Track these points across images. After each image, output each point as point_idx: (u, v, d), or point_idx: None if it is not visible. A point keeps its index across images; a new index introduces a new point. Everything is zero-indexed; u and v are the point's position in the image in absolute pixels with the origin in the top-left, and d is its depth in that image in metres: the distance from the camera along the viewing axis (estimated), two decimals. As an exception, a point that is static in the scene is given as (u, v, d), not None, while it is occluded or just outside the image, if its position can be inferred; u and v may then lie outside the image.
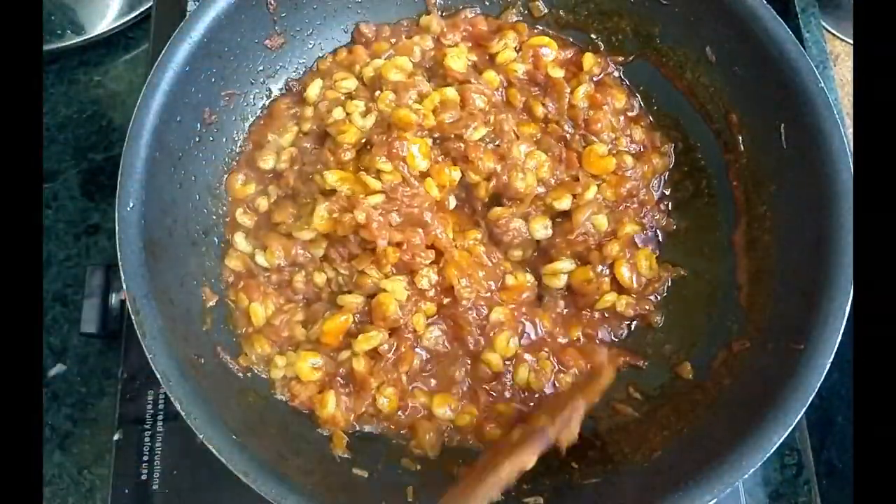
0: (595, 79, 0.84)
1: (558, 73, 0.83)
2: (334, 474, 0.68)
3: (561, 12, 0.86)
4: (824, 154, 0.67)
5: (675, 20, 0.80)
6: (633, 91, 0.84)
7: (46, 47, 0.98)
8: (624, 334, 0.78)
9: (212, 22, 0.72)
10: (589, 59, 0.84)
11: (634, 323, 0.78)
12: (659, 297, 0.78)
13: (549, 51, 0.83)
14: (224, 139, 0.79)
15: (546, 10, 0.87)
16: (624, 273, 0.76)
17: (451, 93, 0.78)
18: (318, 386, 0.73)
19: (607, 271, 0.77)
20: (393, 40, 0.85)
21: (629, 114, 0.84)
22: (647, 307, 0.77)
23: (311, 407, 0.72)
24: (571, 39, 0.86)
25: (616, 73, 0.85)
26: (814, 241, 0.66)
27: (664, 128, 0.83)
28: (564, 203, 0.77)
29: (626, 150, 0.81)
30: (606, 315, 0.78)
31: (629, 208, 0.80)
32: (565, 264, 0.77)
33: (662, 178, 0.83)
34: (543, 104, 0.81)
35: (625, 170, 0.79)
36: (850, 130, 0.89)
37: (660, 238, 0.81)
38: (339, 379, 0.73)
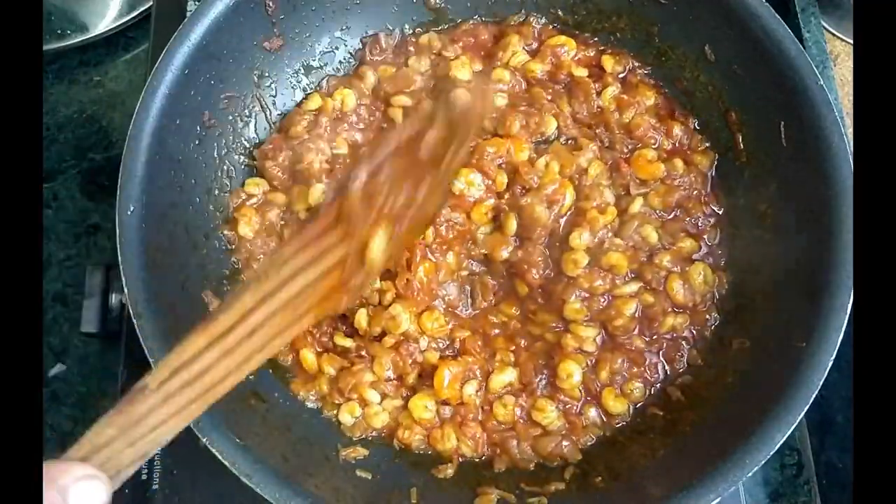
0: (621, 76, 0.83)
1: (581, 73, 0.82)
2: (338, 476, 0.68)
3: (559, 12, 0.86)
4: (824, 152, 0.67)
5: (674, 19, 0.80)
6: (661, 88, 0.83)
7: (46, 47, 0.98)
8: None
9: (211, 24, 0.72)
10: (608, 61, 0.83)
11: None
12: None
13: (568, 49, 0.82)
14: (223, 142, 0.79)
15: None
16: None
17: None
18: (429, 425, 0.73)
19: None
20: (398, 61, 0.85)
21: (661, 111, 0.82)
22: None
23: (430, 447, 0.73)
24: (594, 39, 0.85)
25: (642, 71, 0.83)
26: (814, 238, 0.66)
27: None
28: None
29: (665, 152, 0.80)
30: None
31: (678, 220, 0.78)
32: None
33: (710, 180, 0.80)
34: (570, 104, 0.80)
35: (674, 177, 0.78)
36: (850, 130, 0.89)
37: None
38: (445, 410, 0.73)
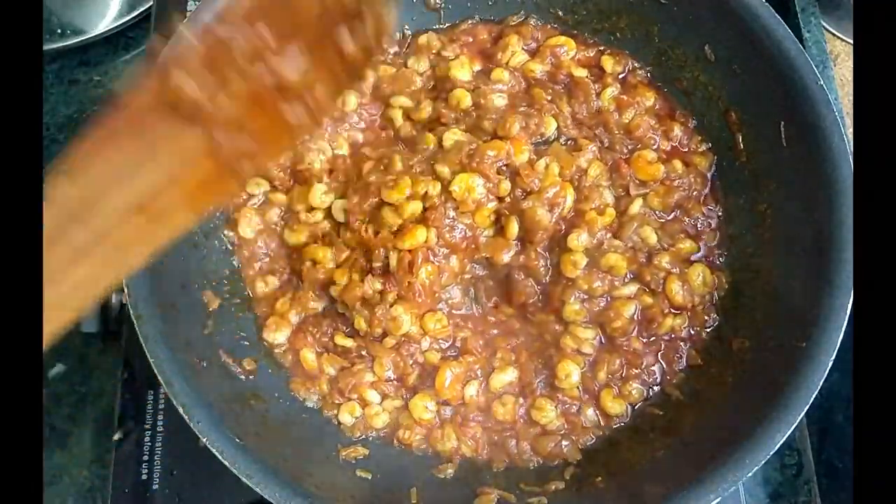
0: (621, 77, 0.83)
1: (581, 73, 0.82)
2: (338, 476, 0.68)
3: (559, 12, 0.86)
4: (824, 151, 0.67)
5: (674, 19, 0.80)
6: (661, 88, 0.83)
7: (46, 47, 0.98)
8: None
9: (211, 23, 0.72)
10: (608, 61, 0.83)
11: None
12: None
13: (568, 49, 0.83)
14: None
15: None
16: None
17: (459, 93, 0.79)
18: (430, 426, 0.73)
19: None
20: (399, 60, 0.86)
21: (661, 112, 0.82)
22: None
23: (430, 447, 0.73)
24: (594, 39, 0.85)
25: (641, 72, 0.83)
26: (814, 238, 0.67)
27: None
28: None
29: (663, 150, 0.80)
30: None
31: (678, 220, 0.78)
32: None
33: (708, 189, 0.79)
34: (570, 104, 0.80)
35: (674, 179, 0.78)
36: (850, 130, 0.89)
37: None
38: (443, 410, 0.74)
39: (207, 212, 0.46)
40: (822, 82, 0.69)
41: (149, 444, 0.77)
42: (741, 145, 0.78)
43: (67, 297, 0.40)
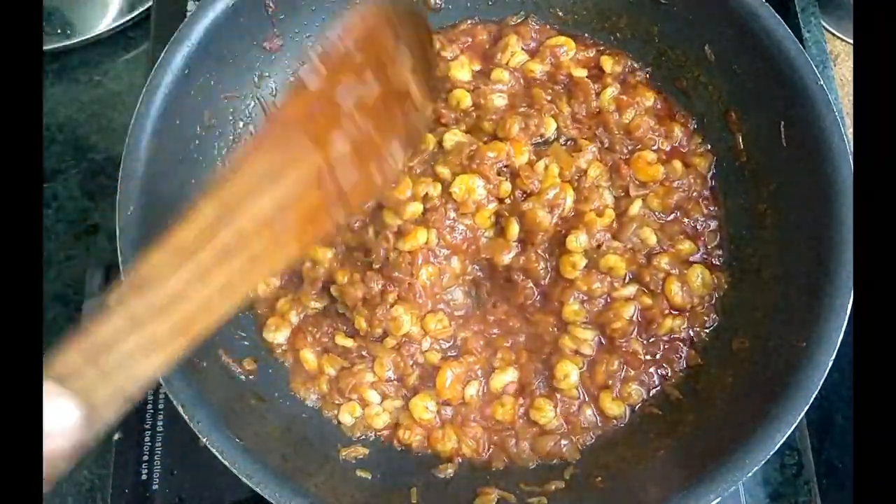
0: (621, 77, 0.83)
1: (580, 73, 0.82)
2: (338, 476, 0.68)
3: (559, 12, 0.86)
4: (824, 151, 0.67)
5: (674, 19, 0.80)
6: (661, 89, 0.83)
7: (46, 47, 0.98)
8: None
9: (210, 24, 0.72)
10: (607, 62, 0.83)
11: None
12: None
13: (567, 49, 0.83)
14: (223, 142, 0.79)
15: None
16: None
17: (459, 94, 0.79)
18: (430, 426, 0.73)
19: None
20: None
21: (661, 112, 0.82)
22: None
23: (430, 447, 0.73)
24: (594, 39, 0.85)
25: (641, 72, 0.83)
26: (814, 238, 0.67)
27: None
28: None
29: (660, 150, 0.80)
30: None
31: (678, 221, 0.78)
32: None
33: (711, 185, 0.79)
34: (569, 105, 0.80)
35: (673, 179, 0.78)
36: (850, 130, 0.89)
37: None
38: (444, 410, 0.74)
39: (307, 249, 0.55)
40: (822, 82, 0.69)
41: (149, 444, 0.77)
42: (741, 145, 0.78)
43: (216, 297, 0.45)
